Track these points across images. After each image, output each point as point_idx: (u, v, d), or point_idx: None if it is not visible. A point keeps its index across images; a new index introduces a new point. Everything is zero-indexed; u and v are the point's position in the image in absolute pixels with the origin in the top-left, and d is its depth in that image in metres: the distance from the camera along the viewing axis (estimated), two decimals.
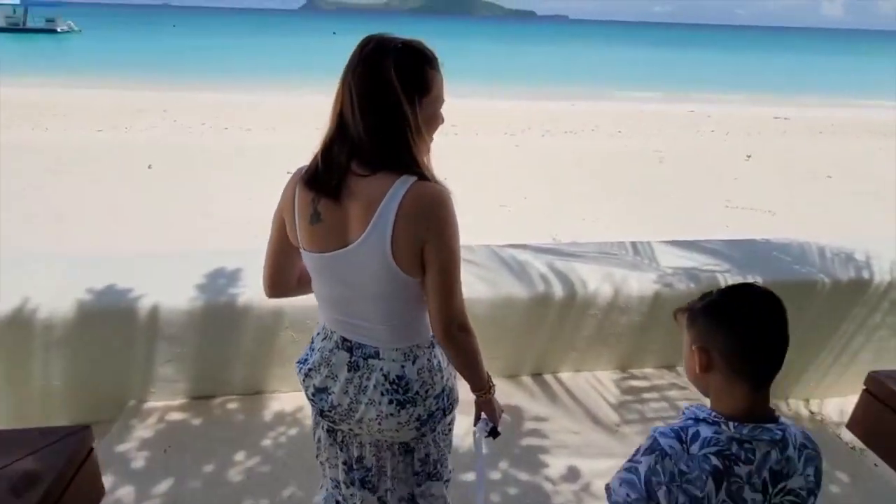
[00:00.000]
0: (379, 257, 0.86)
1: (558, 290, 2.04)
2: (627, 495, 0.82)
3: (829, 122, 11.02)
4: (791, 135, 9.52)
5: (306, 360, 1.03)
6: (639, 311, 2.11)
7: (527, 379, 2.09)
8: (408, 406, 0.95)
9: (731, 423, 0.80)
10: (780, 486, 0.82)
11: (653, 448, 0.82)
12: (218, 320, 1.87)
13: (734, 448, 0.80)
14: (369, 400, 0.95)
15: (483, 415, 1.06)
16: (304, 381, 1.03)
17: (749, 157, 7.38)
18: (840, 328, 2.24)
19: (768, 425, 0.80)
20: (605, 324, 2.11)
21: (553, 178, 6.30)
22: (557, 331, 2.09)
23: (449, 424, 1.08)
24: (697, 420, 0.84)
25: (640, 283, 2.10)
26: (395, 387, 0.94)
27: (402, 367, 0.95)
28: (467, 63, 25.55)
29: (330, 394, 0.98)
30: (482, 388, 1.01)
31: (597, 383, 2.13)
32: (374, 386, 0.94)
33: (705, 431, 0.82)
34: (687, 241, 2.53)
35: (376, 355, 0.95)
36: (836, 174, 6.64)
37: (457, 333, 0.91)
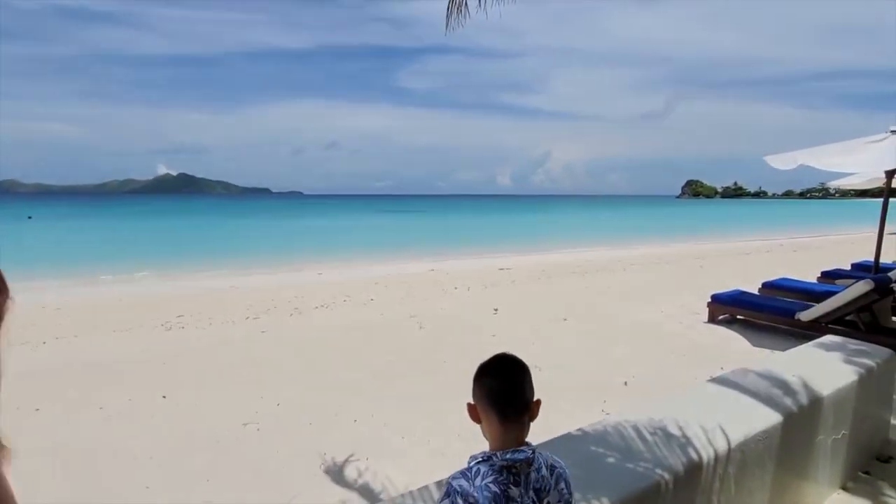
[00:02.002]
0: None
1: None
2: None
3: (540, 268, 12.88)
4: (518, 282, 10.62)
5: None
6: None
7: None
8: None
9: (497, 454, 1.15)
10: (545, 501, 1.16)
11: (448, 492, 1.15)
12: None
13: (505, 474, 1.13)
14: None
15: None
16: None
17: (496, 310, 7.70)
18: None
19: (521, 448, 1.16)
20: None
21: (311, 368, 5.33)
22: None
23: None
24: (478, 461, 1.16)
25: None
26: None
27: None
28: (196, 241, 23.81)
29: None
30: None
31: None
32: None
33: (483, 467, 1.15)
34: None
35: None
36: (570, 316, 7.29)
37: None
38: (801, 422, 2.68)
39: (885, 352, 3.60)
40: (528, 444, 1.18)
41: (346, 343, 6.19)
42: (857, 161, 5.92)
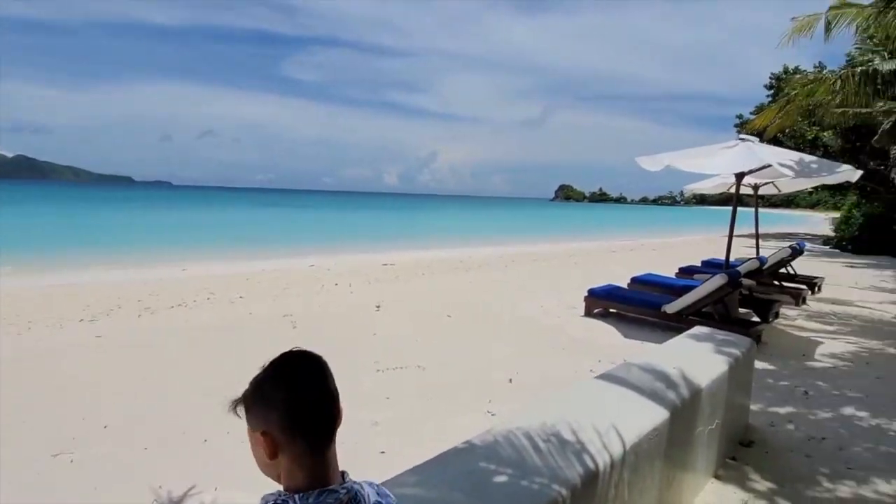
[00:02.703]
0: None
1: None
2: None
3: (424, 264, 12.69)
4: (402, 279, 10.30)
5: None
6: None
7: None
8: None
9: (296, 497, 0.83)
10: None
11: None
12: None
13: None
14: None
15: None
16: None
17: (378, 307, 7.30)
18: None
19: (332, 487, 0.85)
20: None
21: (155, 378, 4.52)
22: None
23: None
24: None
25: None
26: None
27: None
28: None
29: None
30: None
31: None
32: None
33: None
34: None
35: None
36: (454, 313, 7.10)
37: None
38: (684, 415, 2.64)
39: (746, 341, 3.78)
40: (342, 479, 0.88)
41: (202, 347, 5.40)
42: (714, 164, 6.41)
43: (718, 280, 6.00)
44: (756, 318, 7.17)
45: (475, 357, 5.25)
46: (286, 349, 0.96)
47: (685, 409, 2.64)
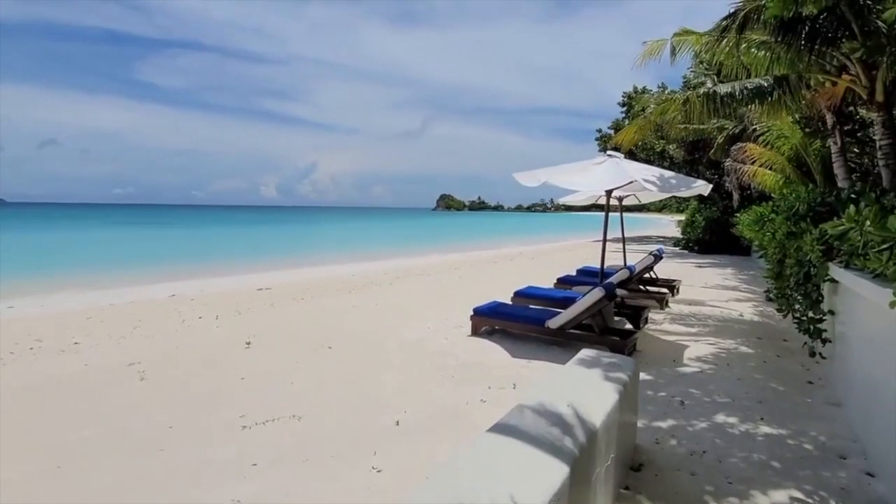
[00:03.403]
0: None
1: None
2: None
3: (303, 286, 11.89)
4: (278, 305, 9.49)
5: None
6: None
7: None
8: None
9: None
10: None
11: None
12: None
13: None
14: None
15: None
16: None
17: (248, 343, 6.53)
18: None
19: None
20: None
21: None
22: None
23: None
24: None
25: None
26: None
27: None
28: None
29: None
30: None
31: None
32: None
33: None
34: None
35: None
36: (336, 343, 6.57)
37: None
38: (583, 463, 2.45)
39: (629, 361, 3.78)
40: None
41: (12, 417, 4.34)
42: (586, 180, 6.62)
43: (596, 294, 6.15)
44: (629, 326, 7.54)
45: (358, 395, 4.79)
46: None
47: (583, 456, 2.46)
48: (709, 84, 12.31)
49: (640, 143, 22.49)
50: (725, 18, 7.71)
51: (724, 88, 8.40)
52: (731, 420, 4.31)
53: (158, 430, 4.00)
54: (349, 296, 10.49)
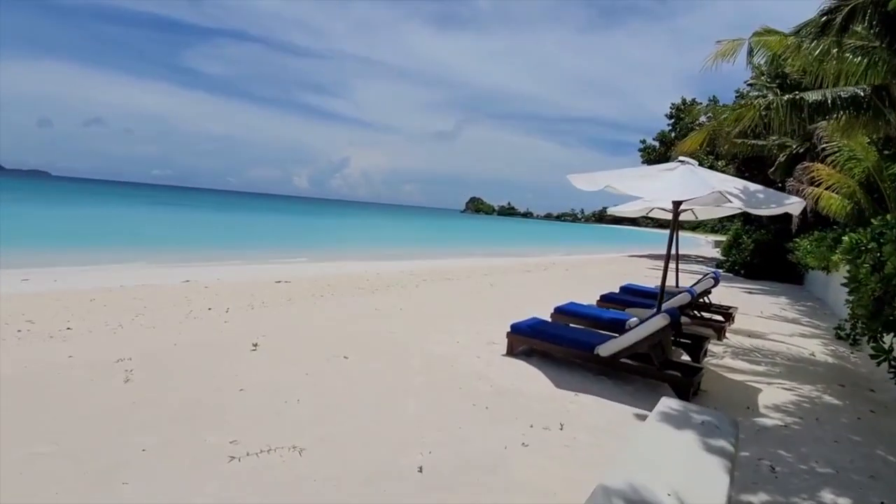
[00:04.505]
0: None
1: None
2: None
3: (325, 282, 11.20)
4: (295, 301, 8.79)
5: None
6: None
7: None
8: None
9: None
10: None
11: None
12: None
13: None
14: None
15: None
16: None
17: (255, 345, 5.81)
18: None
19: None
20: None
21: None
22: None
23: None
24: None
25: None
26: None
27: None
28: None
29: None
30: None
31: None
32: None
33: None
34: None
35: None
36: (353, 352, 5.80)
37: None
38: None
39: (729, 422, 2.89)
40: None
41: None
42: (655, 188, 5.70)
43: (660, 321, 5.24)
44: (686, 357, 6.60)
45: (374, 425, 4.00)
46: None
47: None
48: (770, 97, 11.18)
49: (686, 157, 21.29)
50: (824, 14, 6.70)
51: (812, 96, 7.36)
52: (843, 502, 3.37)
53: (128, 454, 3.27)
54: (372, 296, 9.74)
